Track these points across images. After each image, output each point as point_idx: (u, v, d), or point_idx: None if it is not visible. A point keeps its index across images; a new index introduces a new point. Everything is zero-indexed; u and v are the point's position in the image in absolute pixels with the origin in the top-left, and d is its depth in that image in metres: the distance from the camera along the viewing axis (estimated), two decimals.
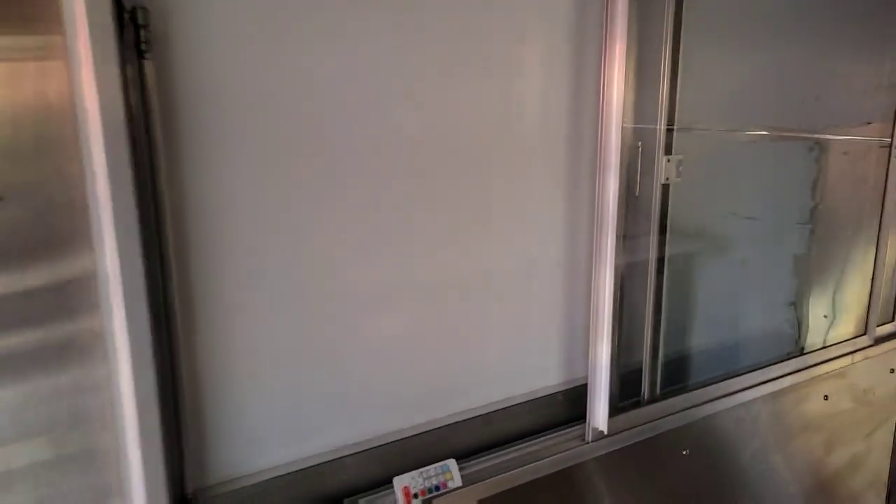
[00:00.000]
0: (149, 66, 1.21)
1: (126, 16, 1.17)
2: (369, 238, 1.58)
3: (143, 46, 1.20)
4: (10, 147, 1.10)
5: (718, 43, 2.21)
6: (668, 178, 1.99)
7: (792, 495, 2.67)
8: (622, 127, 1.80)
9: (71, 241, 1.16)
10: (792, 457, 2.67)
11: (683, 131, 2.09)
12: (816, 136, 2.67)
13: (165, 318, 1.31)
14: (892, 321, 2.90)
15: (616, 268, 1.89)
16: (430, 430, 1.79)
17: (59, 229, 1.15)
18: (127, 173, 1.15)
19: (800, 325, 2.76)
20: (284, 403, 1.54)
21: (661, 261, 2.11)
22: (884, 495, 3.04)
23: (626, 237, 1.98)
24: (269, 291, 1.46)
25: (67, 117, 1.13)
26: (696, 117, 2.19)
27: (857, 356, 2.72)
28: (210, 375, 1.42)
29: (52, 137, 1.13)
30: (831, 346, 2.64)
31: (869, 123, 2.70)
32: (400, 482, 1.65)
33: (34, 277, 1.15)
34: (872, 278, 2.68)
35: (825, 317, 2.80)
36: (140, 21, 1.19)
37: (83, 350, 1.21)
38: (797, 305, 2.75)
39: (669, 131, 2.00)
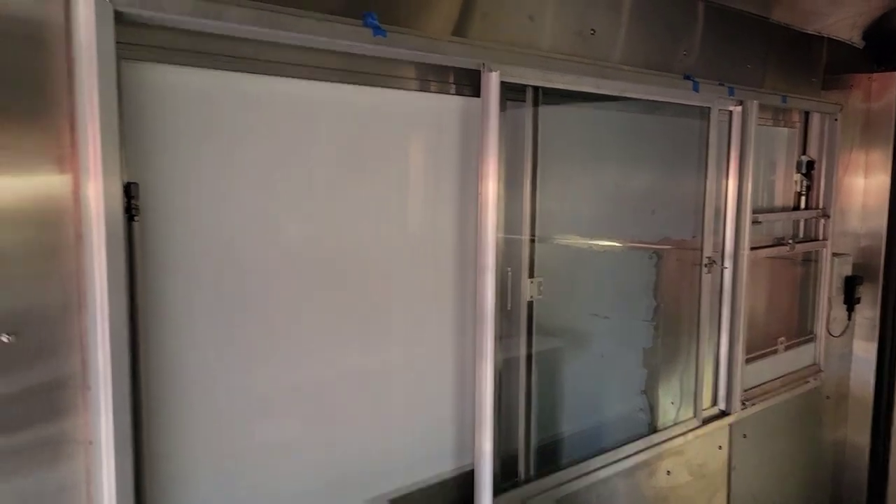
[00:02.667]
0: (137, 227, 1.56)
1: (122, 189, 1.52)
2: (270, 345, 1.91)
3: (133, 212, 1.54)
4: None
5: (571, 167, 2.78)
6: (532, 297, 2.49)
7: None
8: (496, 234, 2.24)
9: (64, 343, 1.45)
10: None
11: (547, 242, 2.61)
12: (653, 246, 3.29)
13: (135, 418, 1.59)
14: (715, 405, 3.53)
15: (495, 363, 2.31)
16: None
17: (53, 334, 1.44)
18: (122, 290, 1.48)
19: (652, 411, 3.29)
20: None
21: (530, 358, 2.57)
22: None
23: (502, 337, 2.43)
24: (204, 391, 1.77)
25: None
26: (556, 230, 2.73)
27: (689, 436, 3.28)
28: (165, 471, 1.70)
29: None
30: (668, 427, 3.18)
31: (694, 237, 3.36)
32: None
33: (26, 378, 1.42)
34: (696, 370, 3.29)
35: (672, 403, 3.35)
36: (132, 193, 1.53)
37: (67, 449, 1.47)
38: (648, 393, 3.29)
39: (532, 243, 2.49)
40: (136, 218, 1.55)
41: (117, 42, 1.47)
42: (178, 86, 1.66)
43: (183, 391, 1.72)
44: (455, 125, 2.29)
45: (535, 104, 2.43)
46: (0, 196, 1.38)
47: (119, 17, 1.44)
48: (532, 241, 2.50)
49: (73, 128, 1.46)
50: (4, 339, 1.41)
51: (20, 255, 1.41)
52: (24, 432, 1.42)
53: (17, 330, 1.42)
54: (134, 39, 1.54)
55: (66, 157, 1.46)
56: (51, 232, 1.45)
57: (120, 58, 1.51)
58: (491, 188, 2.24)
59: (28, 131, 1.41)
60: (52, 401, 1.46)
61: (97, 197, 1.43)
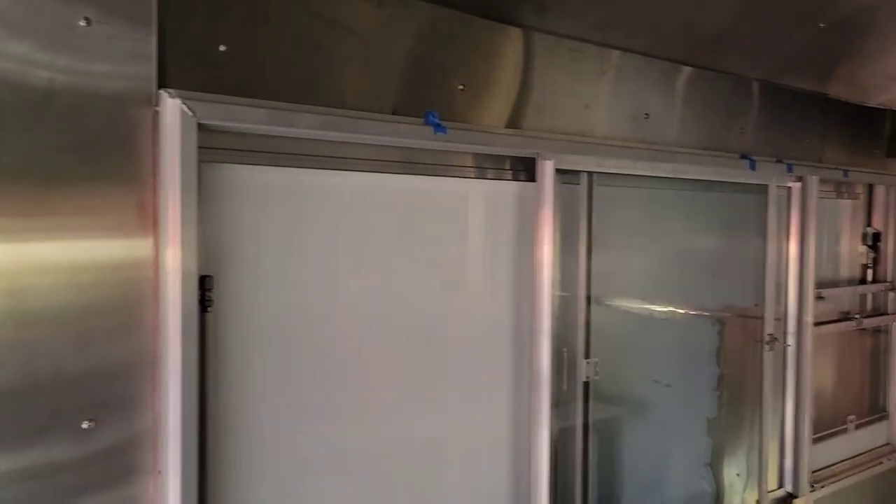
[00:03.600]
0: (209, 317, 1.65)
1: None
2: (334, 412, 1.97)
3: (207, 304, 1.64)
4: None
5: (627, 242, 2.79)
6: (588, 377, 2.49)
7: None
8: (551, 294, 2.27)
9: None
10: None
11: (604, 312, 2.60)
12: (716, 312, 3.23)
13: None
14: (781, 487, 3.39)
15: (551, 432, 2.29)
16: None
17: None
18: (194, 380, 1.57)
19: (717, 484, 3.19)
20: None
21: (587, 431, 2.53)
22: None
23: (559, 404, 2.41)
24: (269, 470, 1.83)
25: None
26: (613, 301, 2.73)
27: None
28: None
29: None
30: None
31: (756, 305, 3.30)
32: None
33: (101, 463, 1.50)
34: (760, 452, 3.19)
35: (738, 475, 3.24)
36: (207, 286, 1.64)
37: None
38: (713, 465, 3.19)
39: (588, 324, 2.50)
40: (209, 309, 1.65)
41: (198, 147, 1.59)
42: (251, 183, 1.78)
43: (250, 476, 1.79)
44: (511, 207, 2.36)
45: (590, 184, 2.48)
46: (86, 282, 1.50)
47: (201, 127, 1.57)
48: (587, 322, 2.51)
49: (156, 227, 1.57)
50: (85, 425, 1.50)
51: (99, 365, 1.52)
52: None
53: (97, 416, 1.51)
54: (213, 144, 1.66)
55: (148, 254, 1.57)
56: (129, 329, 1.55)
57: (200, 161, 1.63)
58: (546, 268, 2.29)
59: (115, 226, 1.53)
60: (123, 481, 1.54)
61: (175, 291, 1.53)
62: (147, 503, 1.56)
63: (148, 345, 1.57)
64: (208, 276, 1.65)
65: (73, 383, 1.48)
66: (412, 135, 1.93)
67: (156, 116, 1.55)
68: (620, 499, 2.80)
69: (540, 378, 2.30)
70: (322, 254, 1.92)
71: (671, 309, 3.05)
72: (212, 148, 1.67)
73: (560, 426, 2.48)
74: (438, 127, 1.94)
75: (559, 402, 2.44)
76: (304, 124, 1.71)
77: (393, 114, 1.97)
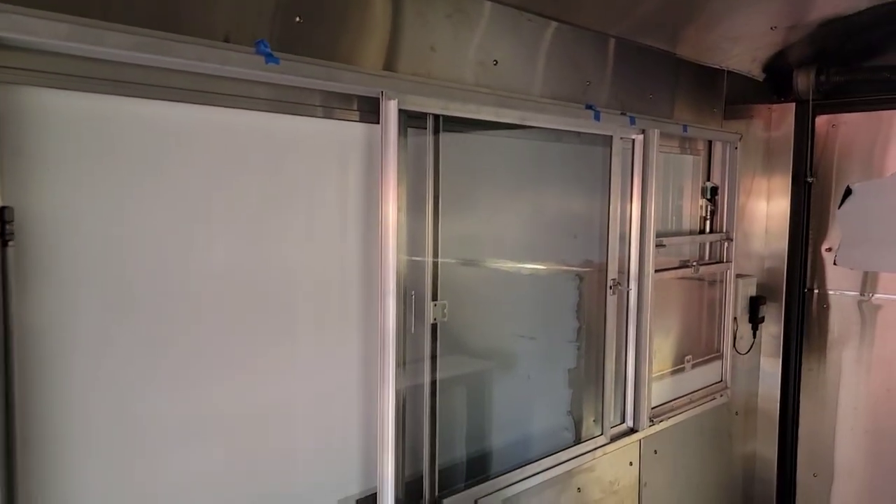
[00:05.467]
0: (11, 252, 1.53)
1: None
2: (170, 373, 1.90)
3: (8, 237, 1.52)
4: None
5: (477, 192, 2.84)
6: (436, 319, 2.53)
7: None
8: (396, 257, 2.27)
9: None
10: None
11: (460, 265, 2.63)
12: (572, 268, 3.38)
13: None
14: (623, 422, 3.63)
15: (397, 387, 2.32)
16: None
17: None
18: None
19: (577, 430, 3.36)
20: None
21: (434, 381, 2.59)
22: None
23: (408, 362, 2.45)
24: (90, 423, 1.75)
25: None
26: (466, 253, 2.78)
27: (598, 453, 3.37)
28: None
29: None
30: (573, 445, 3.25)
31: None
32: None
33: None
34: (602, 388, 3.39)
35: (594, 421, 3.43)
36: (6, 218, 1.51)
37: None
38: (573, 412, 3.36)
39: (435, 266, 2.53)
40: (10, 243, 1.52)
41: None
42: (61, 110, 1.65)
43: (67, 429, 1.70)
44: (360, 151, 2.33)
45: (437, 131, 2.49)
46: None
47: None
48: (435, 263, 2.54)
49: None
50: None
51: None
52: None
53: None
54: (9, 63, 1.52)
55: None
56: None
57: None
58: (391, 213, 2.28)
59: None
60: None
61: None
62: None
63: None
64: (7, 207, 1.52)
65: None
66: (242, 64, 1.85)
67: None
68: (471, 446, 2.89)
69: (386, 337, 2.30)
70: (147, 191, 1.82)
71: (528, 265, 3.15)
72: (10, 67, 1.52)
73: (411, 382, 2.51)
74: (270, 57, 1.87)
75: (409, 360, 2.47)
76: (114, 44, 1.59)
77: (224, 42, 1.88)
